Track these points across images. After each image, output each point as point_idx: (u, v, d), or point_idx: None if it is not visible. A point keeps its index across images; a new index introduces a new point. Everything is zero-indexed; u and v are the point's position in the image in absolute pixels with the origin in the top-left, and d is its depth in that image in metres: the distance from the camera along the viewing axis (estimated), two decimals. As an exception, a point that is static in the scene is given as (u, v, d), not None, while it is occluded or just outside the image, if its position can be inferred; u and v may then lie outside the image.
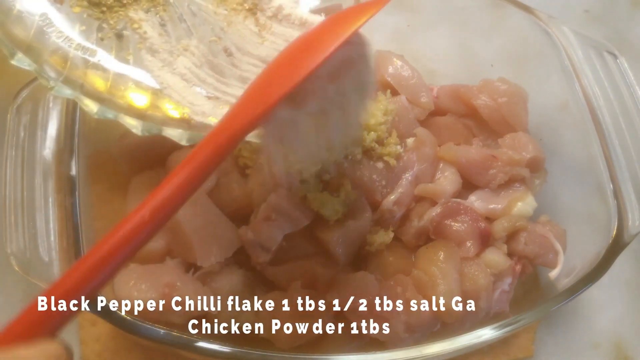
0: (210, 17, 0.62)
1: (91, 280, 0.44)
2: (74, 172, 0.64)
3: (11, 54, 0.56)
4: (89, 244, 0.63)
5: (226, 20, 0.62)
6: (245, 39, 0.62)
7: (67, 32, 0.57)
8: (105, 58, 0.58)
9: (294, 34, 0.62)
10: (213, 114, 0.59)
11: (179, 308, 0.64)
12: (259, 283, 0.71)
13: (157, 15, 0.60)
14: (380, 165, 0.72)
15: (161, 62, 0.59)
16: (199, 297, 0.65)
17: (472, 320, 0.70)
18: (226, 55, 0.61)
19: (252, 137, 0.56)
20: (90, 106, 0.57)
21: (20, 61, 0.56)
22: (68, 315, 0.43)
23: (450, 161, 0.76)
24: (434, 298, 0.67)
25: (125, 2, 0.60)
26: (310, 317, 0.66)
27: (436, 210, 0.73)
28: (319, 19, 0.61)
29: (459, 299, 0.68)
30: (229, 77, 0.61)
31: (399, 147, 0.73)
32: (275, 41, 0.62)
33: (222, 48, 0.61)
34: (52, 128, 0.65)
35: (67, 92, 0.56)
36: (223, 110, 0.59)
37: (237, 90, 0.60)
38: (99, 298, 0.59)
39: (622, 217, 0.70)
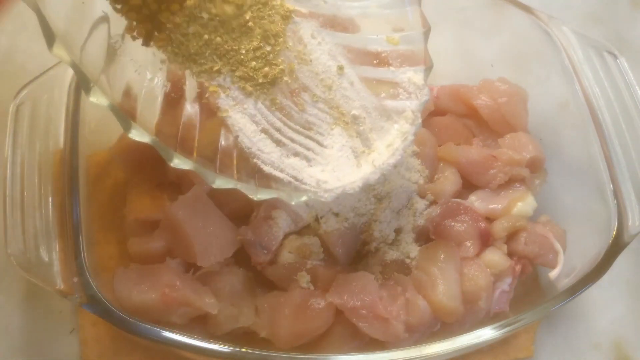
0: (285, 50, 0.59)
1: None
2: (74, 172, 0.64)
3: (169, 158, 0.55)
4: (89, 244, 0.63)
5: (298, 58, 0.59)
6: (315, 79, 0.60)
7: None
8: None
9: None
10: (280, 165, 0.58)
11: (179, 308, 0.64)
12: (259, 283, 0.71)
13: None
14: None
15: (233, 100, 0.57)
16: (199, 297, 0.65)
17: (472, 320, 0.70)
18: (291, 95, 0.59)
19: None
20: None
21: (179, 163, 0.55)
22: None
23: (450, 161, 0.76)
24: (434, 298, 0.67)
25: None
26: (310, 317, 0.66)
27: (436, 210, 0.73)
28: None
29: (459, 299, 0.68)
30: (295, 120, 0.59)
31: None
32: (345, 86, 0.61)
33: (290, 87, 0.59)
34: (52, 128, 0.65)
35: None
36: (289, 160, 0.58)
37: (300, 138, 0.59)
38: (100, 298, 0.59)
39: (622, 217, 0.70)
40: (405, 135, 0.61)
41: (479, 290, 0.69)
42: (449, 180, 0.75)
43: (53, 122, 0.65)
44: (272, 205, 0.69)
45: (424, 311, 0.67)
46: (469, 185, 0.77)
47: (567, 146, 0.81)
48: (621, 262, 0.70)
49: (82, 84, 0.53)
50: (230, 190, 0.71)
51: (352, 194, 0.59)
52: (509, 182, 0.76)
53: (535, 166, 0.78)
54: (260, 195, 0.57)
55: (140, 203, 0.71)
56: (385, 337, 0.66)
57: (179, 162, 0.55)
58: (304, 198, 0.58)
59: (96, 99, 0.52)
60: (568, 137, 0.80)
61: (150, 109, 0.57)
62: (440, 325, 0.70)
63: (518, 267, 0.73)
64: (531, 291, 0.77)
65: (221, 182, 0.56)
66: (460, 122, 0.81)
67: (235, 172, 0.58)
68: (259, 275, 0.70)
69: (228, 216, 0.70)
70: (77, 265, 0.60)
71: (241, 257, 0.70)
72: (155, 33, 0.55)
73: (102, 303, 0.59)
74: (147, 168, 0.74)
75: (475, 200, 0.76)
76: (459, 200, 0.75)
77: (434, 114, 0.81)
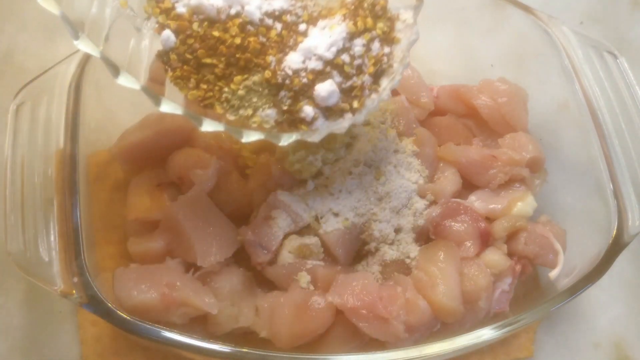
0: None
1: None
2: (74, 172, 0.64)
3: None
4: (89, 244, 0.63)
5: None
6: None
7: None
8: None
9: None
10: None
11: (179, 308, 0.64)
12: (259, 283, 0.71)
13: None
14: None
15: None
16: (199, 297, 0.65)
17: (472, 320, 0.70)
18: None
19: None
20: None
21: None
22: None
23: (450, 161, 0.76)
24: (434, 298, 0.67)
25: None
26: (310, 317, 0.66)
27: (436, 210, 0.73)
28: None
29: (459, 299, 0.68)
30: None
31: None
32: None
33: None
34: (52, 128, 0.65)
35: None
36: None
37: None
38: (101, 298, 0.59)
39: (622, 217, 0.70)
40: (393, 75, 0.61)
41: (479, 290, 0.69)
42: (449, 180, 0.75)
43: (53, 122, 0.65)
44: (272, 205, 0.69)
45: (424, 311, 0.67)
46: (469, 185, 0.77)
47: (567, 146, 0.81)
48: (621, 262, 0.70)
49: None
50: (230, 190, 0.71)
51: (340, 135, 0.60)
52: (509, 182, 0.76)
53: (535, 166, 0.78)
54: (246, 137, 0.58)
55: (140, 203, 0.71)
56: (385, 337, 0.66)
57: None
58: (293, 138, 0.59)
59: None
60: (568, 137, 0.80)
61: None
62: (440, 325, 0.70)
63: (518, 267, 0.73)
64: (531, 291, 0.77)
65: (209, 126, 0.57)
66: (460, 122, 0.81)
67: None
68: (259, 275, 0.70)
69: (228, 216, 0.70)
70: (77, 265, 0.60)
71: (241, 257, 0.70)
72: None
73: (102, 303, 0.59)
74: (147, 168, 0.74)
75: (475, 200, 0.76)
76: (459, 200, 0.75)
77: (434, 114, 0.81)
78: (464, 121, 0.81)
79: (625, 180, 0.72)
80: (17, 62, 0.85)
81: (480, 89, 0.80)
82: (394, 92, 0.78)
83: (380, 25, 0.60)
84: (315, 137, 0.59)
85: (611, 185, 0.72)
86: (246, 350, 0.60)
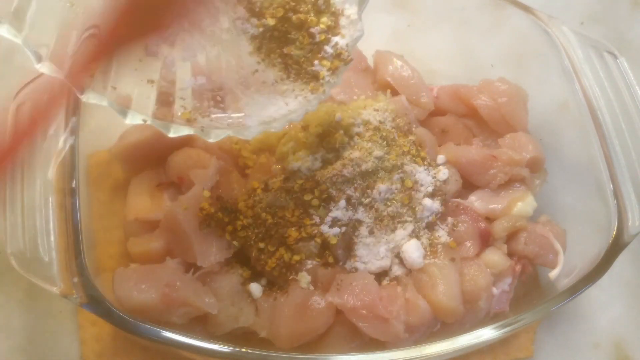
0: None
1: None
2: (74, 172, 0.64)
3: None
4: (89, 244, 0.63)
5: None
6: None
7: None
8: None
9: None
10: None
11: (179, 308, 0.64)
12: (259, 283, 0.71)
13: None
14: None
15: None
16: (199, 297, 0.65)
17: (472, 320, 0.70)
18: None
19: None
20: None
21: None
22: None
23: (450, 161, 0.76)
24: (434, 298, 0.67)
25: None
26: (310, 317, 0.66)
27: (436, 210, 0.73)
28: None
29: (459, 299, 0.68)
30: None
31: None
32: None
33: None
34: (52, 128, 0.65)
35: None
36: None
37: None
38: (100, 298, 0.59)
39: (622, 217, 0.70)
40: (336, 72, 0.60)
41: (479, 290, 0.69)
42: (449, 180, 0.75)
43: (53, 122, 0.65)
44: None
45: (424, 311, 0.67)
46: (469, 185, 0.77)
47: (567, 146, 0.81)
48: (621, 262, 0.70)
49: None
50: (230, 190, 0.71)
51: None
52: (509, 182, 0.76)
53: (535, 166, 0.78)
54: (174, 132, 0.57)
55: (140, 203, 0.71)
56: (385, 337, 0.66)
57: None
58: (224, 135, 0.58)
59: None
60: (568, 137, 0.80)
61: None
62: (440, 325, 0.70)
63: (518, 267, 0.73)
64: (531, 291, 0.77)
65: (133, 118, 0.56)
66: (460, 122, 0.81)
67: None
68: (259, 275, 0.70)
69: (228, 216, 0.70)
70: (77, 265, 0.60)
71: (241, 257, 0.70)
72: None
73: (102, 303, 0.59)
74: (147, 168, 0.74)
75: (475, 200, 0.76)
76: (459, 200, 0.75)
77: (434, 114, 0.81)
78: (464, 121, 0.81)
79: (625, 180, 0.72)
80: (17, 62, 0.85)
81: (480, 89, 0.80)
82: (394, 92, 0.79)
83: (324, 20, 0.60)
84: (248, 135, 0.58)
85: (611, 185, 0.72)
86: (246, 350, 0.60)
